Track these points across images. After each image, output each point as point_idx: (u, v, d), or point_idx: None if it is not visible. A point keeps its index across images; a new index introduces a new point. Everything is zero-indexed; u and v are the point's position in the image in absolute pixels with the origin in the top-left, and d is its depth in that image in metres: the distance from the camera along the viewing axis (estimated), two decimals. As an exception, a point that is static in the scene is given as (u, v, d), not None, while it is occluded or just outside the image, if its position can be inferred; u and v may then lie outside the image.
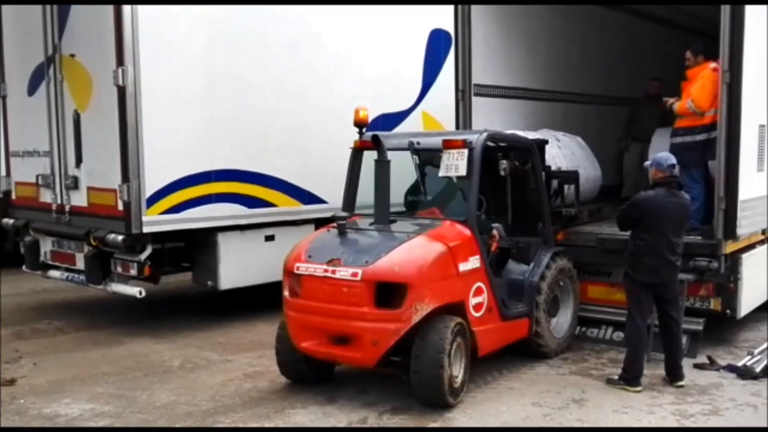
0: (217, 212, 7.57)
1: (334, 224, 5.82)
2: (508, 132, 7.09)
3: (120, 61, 6.92)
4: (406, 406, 5.37)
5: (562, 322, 6.78)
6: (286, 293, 5.66)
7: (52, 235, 8.03)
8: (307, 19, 8.32)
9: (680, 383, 5.89)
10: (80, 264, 7.63)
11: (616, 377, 5.92)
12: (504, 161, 6.26)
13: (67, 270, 7.94)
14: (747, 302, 6.87)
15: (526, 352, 6.46)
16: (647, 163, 6.10)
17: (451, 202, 6.30)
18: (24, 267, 8.40)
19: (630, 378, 5.83)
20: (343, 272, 5.32)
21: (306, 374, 5.81)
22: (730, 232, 6.38)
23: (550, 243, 6.69)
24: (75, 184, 7.59)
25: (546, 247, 6.61)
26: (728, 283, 6.67)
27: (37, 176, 8.01)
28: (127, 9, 6.90)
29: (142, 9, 6.98)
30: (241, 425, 5.12)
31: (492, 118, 7.72)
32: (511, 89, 8.41)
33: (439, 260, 5.43)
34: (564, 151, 7.57)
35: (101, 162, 7.29)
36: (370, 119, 8.58)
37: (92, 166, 7.44)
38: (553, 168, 7.18)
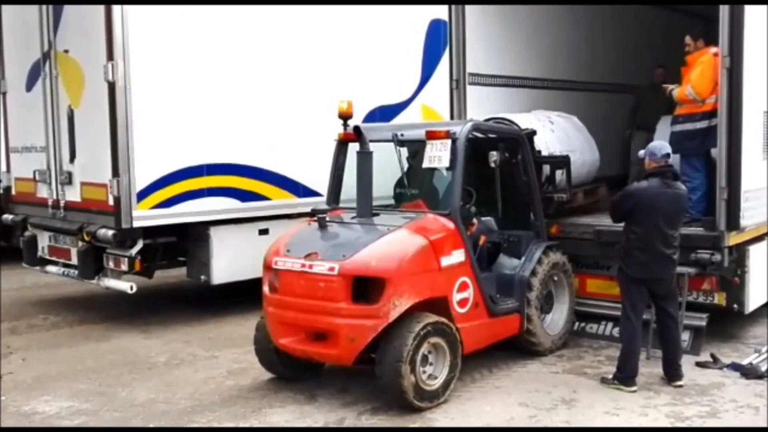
0: (209, 206, 7.51)
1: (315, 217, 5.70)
2: (501, 118, 6.88)
3: (110, 55, 6.90)
4: (386, 406, 5.22)
5: (557, 318, 6.54)
6: (265, 288, 5.56)
7: (49, 230, 8.07)
8: (302, 10, 8.17)
9: (679, 383, 5.63)
10: (75, 259, 7.64)
11: (611, 376, 5.69)
12: (494, 153, 6.05)
13: (64, 265, 7.96)
14: (756, 296, 6.58)
15: (520, 349, 6.25)
16: (641, 152, 5.84)
17: (437, 194, 6.13)
18: (23, 262, 8.46)
19: (624, 377, 5.59)
20: (320, 267, 5.18)
21: (279, 368, 5.73)
22: (733, 224, 6.11)
23: (542, 236, 6.48)
24: (69, 179, 7.62)
25: (538, 241, 6.41)
26: (733, 277, 6.37)
27: (34, 172, 8.06)
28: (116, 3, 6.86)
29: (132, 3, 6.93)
30: (215, 425, 5.03)
31: (490, 107, 7.49)
32: (510, 78, 8.18)
33: (419, 254, 5.27)
34: (558, 135, 7.28)
35: (93, 157, 7.29)
36: (367, 111, 8.63)
37: (85, 161, 7.45)
38: (546, 153, 6.93)
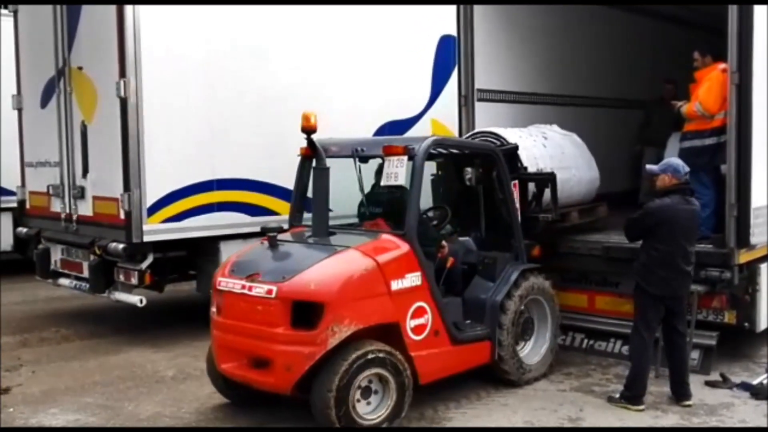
0: (219, 221, 7.56)
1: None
2: (489, 132, 6.70)
3: (122, 72, 7.00)
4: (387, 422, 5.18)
5: (537, 346, 6.19)
6: (212, 310, 5.30)
7: (62, 243, 8.15)
8: (311, 27, 8.24)
9: (687, 402, 5.58)
10: (86, 272, 7.69)
11: (617, 395, 5.64)
12: (468, 169, 5.84)
13: (76, 278, 8.03)
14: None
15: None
16: (655, 168, 5.75)
17: (400, 213, 5.59)
18: (36, 275, 8.54)
19: (632, 396, 5.55)
20: (259, 289, 4.91)
21: (225, 392, 5.56)
22: (743, 241, 6.05)
23: (521, 258, 6.10)
24: (82, 193, 7.70)
25: (516, 263, 6.03)
26: (743, 295, 6.31)
27: (48, 186, 8.16)
28: (129, 21, 6.96)
29: (145, 21, 7.03)
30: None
31: (499, 123, 7.46)
32: (518, 94, 8.19)
33: (364, 277, 4.96)
34: (551, 151, 6.97)
35: (105, 172, 7.38)
36: (377, 126, 8.66)
37: (97, 175, 7.54)
38: (536, 169, 6.58)
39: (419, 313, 5.23)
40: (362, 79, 8.66)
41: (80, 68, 7.63)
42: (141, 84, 7.03)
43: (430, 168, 6.82)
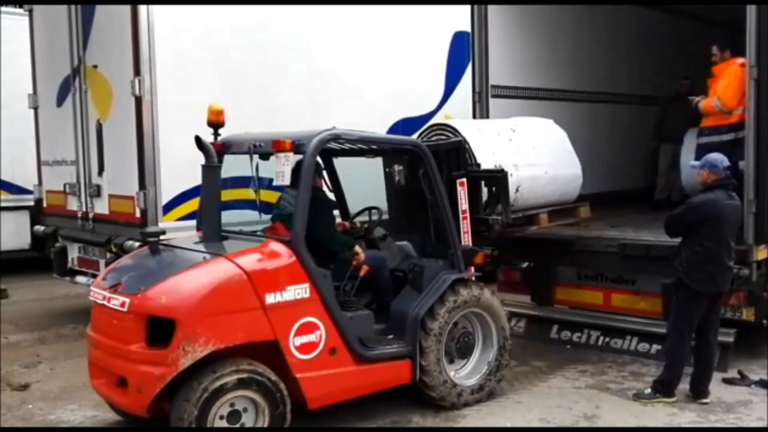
0: (232, 219, 7.54)
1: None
2: (444, 125, 6.41)
3: (137, 71, 7.04)
4: (406, 420, 5.23)
5: (478, 366, 5.55)
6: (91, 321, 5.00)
7: (78, 241, 8.22)
8: (325, 22, 8.26)
9: (704, 400, 5.56)
10: (103, 270, 7.76)
11: (648, 390, 5.61)
12: (396, 167, 5.48)
13: (93, 276, 8.07)
14: (786, 312, 6.44)
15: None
16: (696, 163, 5.67)
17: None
18: (53, 273, 8.62)
19: (668, 391, 5.58)
20: (115, 301, 4.54)
21: (112, 409, 5.21)
22: (762, 238, 6.01)
23: (457, 267, 5.43)
24: (98, 192, 7.78)
25: (450, 272, 5.37)
26: (762, 292, 6.27)
27: (64, 185, 8.25)
28: (143, 19, 7.01)
29: (159, 19, 7.08)
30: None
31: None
32: (533, 90, 8.16)
33: (228, 289, 4.47)
34: (517, 145, 6.46)
35: (121, 170, 7.44)
36: (391, 123, 8.64)
37: (113, 174, 7.61)
38: (493, 166, 6.06)
39: (307, 329, 4.70)
40: (375, 76, 8.63)
41: (95, 67, 7.70)
42: (155, 82, 7.08)
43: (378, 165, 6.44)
